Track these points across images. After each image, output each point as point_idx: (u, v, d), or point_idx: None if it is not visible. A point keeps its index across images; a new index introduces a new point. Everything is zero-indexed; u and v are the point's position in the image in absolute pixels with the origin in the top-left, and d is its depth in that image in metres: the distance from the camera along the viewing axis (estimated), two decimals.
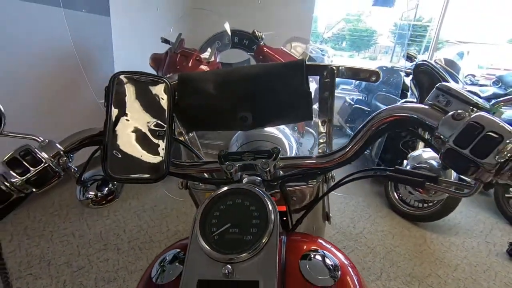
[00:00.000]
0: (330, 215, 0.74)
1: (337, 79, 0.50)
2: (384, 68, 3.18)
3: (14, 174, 0.38)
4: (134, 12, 2.82)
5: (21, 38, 1.73)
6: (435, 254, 1.87)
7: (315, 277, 0.38)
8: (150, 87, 0.43)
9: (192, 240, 0.37)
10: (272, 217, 0.37)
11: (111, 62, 2.50)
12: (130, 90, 0.42)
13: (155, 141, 0.43)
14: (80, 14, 2.16)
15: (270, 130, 0.74)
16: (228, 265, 0.33)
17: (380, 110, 0.42)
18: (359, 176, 0.47)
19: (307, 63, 0.45)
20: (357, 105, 3.27)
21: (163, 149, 0.43)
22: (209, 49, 2.43)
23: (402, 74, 2.63)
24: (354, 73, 0.48)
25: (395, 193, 2.35)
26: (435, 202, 2.11)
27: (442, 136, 0.34)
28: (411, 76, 2.28)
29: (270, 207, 0.38)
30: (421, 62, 2.20)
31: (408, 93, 2.65)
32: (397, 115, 0.40)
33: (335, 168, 0.49)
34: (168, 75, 0.53)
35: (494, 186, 0.37)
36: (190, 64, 2.25)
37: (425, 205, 2.17)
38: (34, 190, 0.40)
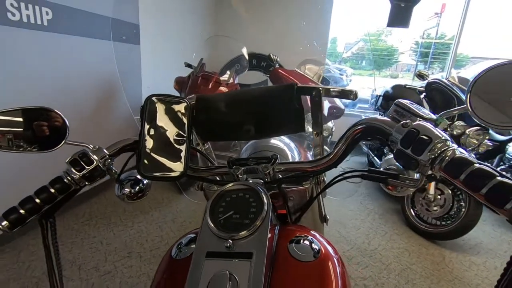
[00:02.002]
0: (328, 217, 0.81)
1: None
2: (400, 86, 3.23)
3: (74, 171, 0.51)
4: (161, 41, 3.11)
5: (72, 67, 1.99)
6: (453, 272, 1.83)
7: (299, 254, 0.46)
8: (174, 106, 0.56)
9: (204, 223, 0.47)
10: (265, 206, 0.47)
11: (139, 85, 2.76)
12: (158, 109, 0.55)
13: (177, 148, 0.55)
14: (117, 44, 2.44)
15: (275, 142, 0.85)
16: (229, 240, 0.43)
17: (355, 122, 0.51)
18: (342, 178, 0.56)
19: (299, 85, 0.56)
20: None
21: (183, 154, 0.54)
22: (228, 72, 2.62)
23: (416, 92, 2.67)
24: (337, 93, 0.58)
25: (411, 210, 2.33)
26: (452, 219, 2.08)
27: (394, 140, 0.43)
28: (423, 94, 2.32)
29: (265, 199, 0.48)
30: (433, 80, 2.24)
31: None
32: (366, 125, 0.50)
33: (323, 171, 0.58)
34: (189, 96, 0.65)
35: (436, 180, 0.40)
36: (210, 86, 2.44)
37: (443, 222, 2.14)
38: (86, 183, 0.52)
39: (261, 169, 0.57)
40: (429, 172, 0.39)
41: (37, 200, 0.49)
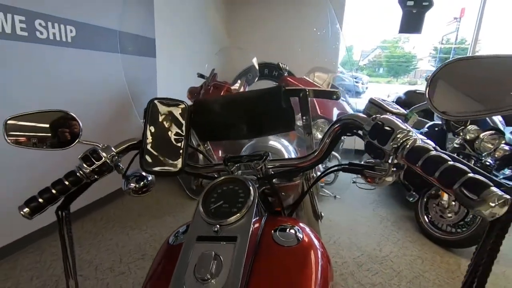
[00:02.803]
0: (322, 214, 0.84)
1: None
2: (412, 91, 3.21)
3: (85, 166, 0.58)
4: (176, 53, 3.26)
5: (92, 78, 2.14)
6: None
7: (282, 241, 0.50)
8: (174, 109, 0.62)
9: (196, 211, 0.52)
10: (251, 197, 0.51)
11: (155, 94, 2.89)
12: (160, 111, 0.61)
13: (176, 146, 0.60)
14: (133, 57, 2.59)
15: (273, 142, 0.89)
16: (217, 225, 0.48)
17: (335, 120, 0.55)
18: (326, 172, 0.60)
19: (286, 88, 0.61)
20: None
21: (181, 152, 0.60)
22: (239, 81, 2.70)
23: None
24: (321, 94, 0.62)
25: (425, 217, 2.28)
26: (468, 226, 2.02)
27: (365, 133, 0.46)
28: None
29: (251, 190, 0.52)
30: None
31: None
32: (343, 121, 0.53)
33: (311, 167, 0.62)
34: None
35: (402, 168, 0.41)
36: (221, 95, 2.52)
37: (458, 229, 2.08)
38: (96, 177, 0.59)
39: (253, 165, 0.62)
40: (394, 160, 0.43)
41: (53, 191, 0.56)
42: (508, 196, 0.31)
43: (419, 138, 0.41)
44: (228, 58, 3.03)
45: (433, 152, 0.38)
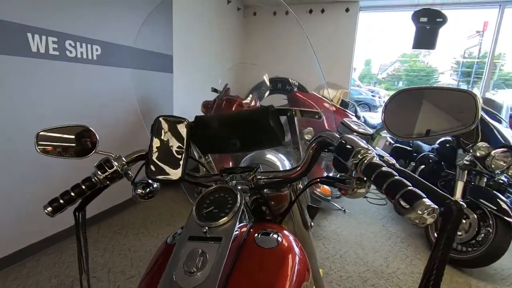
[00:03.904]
0: (312, 223, 0.89)
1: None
2: None
3: (99, 173, 0.67)
4: (191, 69, 3.44)
5: (114, 93, 2.32)
6: None
7: (263, 243, 0.57)
8: (176, 125, 0.71)
9: (191, 215, 0.60)
10: (238, 203, 0.58)
11: (170, 108, 3.05)
12: (164, 127, 0.70)
13: (177, 158, 0.69)
14: (151, 72, 2.77)
15: (270, 156, 0.96)
16: (206, 227, 0.55)
17: (314, 137, 0.62)
18: (307, 185, 0.66)
19: (275, 108, 0.69)
20: (397, 144, 3.26)
21: (181, 163, 0.69)
22: (250, 95, 2.81)
23: None
24: (306, 114, 0.70)
25: (435, 234, 2.24)
26: (479, 245, 1.97)
27: (333, 149, 0.53)
28: None
29: (238, 198, 0.60)
30: None
31: None
32: (320, 139, 0.60)
33: (296, 179, 0.69)
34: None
35: (362, 181, 0.43)
36: (233, 109, 2.64)
37: (469, 248, 2.03)
38: (108, 183, 0.68)
39: (245, 176, 0.69)
40: (356, 174, 0.49)
41: (72, 194, 0.66)
42: (435, 206, 0.37)
43: (376, 156, 0.47)
44: (241, 73, 3.17)
45: (384, 168, 0.44)
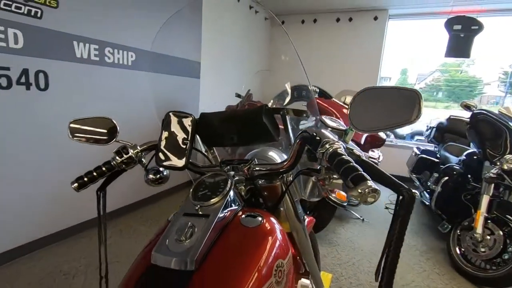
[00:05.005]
0: (305, 217, 0.94)
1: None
2: (451, 117, 3.10)
3: (117, 158, 0.79)
4: (218, 74, 3.62)
5: (144, 94, 2.53)
6: None
7: (247, 223, 0.64)
8: (184, 119, 0.82)
9: (188, 196, 0.69)
10: (227, 187, 0.67)
11: (196, 112, 3.23)
12: (173, 120, 0.81)
13: (182, 148, 0.79)
14: (182, 78, 2.98)
15: (272, 153, 1.04)
16: (198, 205, 0.64)
17: (299, 133, 0.69)
18: (295, 176, 0.73)
19: (268, 107, 0.77)
20: (423, 155, 3.15)
21: (185, 153, 0.79)
22: (271, 101, 2.90)
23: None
24: (295, 113, 0.76)
25: (457, 249, 2.14)
26: (505, 264, 1.86)
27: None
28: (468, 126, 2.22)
29: (229, 183, 0.68)
30: (478, 111, 2.14)
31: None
32: (302, 135, 0.67)
33: (285, 171, 0.75)
34: None
35: (331, 170, 0.44)
36: None
37: (493, 267, 1.92)
38: (123, 166, 0.80)
39: (240, 167, 0.77)
40: (325, 164, 0.55)
41: (94, 173, 0.78)
42: (376, 187, 0.43)
43: (343, 147, 0.53)
44: (264, 80, 3.27)
45: (345, 157, 0.50)
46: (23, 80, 1.73)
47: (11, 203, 1.82)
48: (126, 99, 2.41)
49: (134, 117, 2.52)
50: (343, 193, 2.36)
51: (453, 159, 2.79)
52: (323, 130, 0.57)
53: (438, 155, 3.15)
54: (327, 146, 0.53)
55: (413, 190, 0.48)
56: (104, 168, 0.79)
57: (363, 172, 0.45)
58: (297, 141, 0.69)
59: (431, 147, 3.58)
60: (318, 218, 2.38)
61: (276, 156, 1.05)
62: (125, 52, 2.30)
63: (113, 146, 0.84)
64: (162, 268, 0.55)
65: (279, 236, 0.66)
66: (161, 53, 2.62)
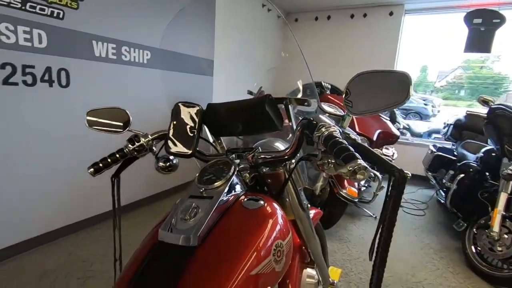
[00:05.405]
0: (309, 205, 0.96)
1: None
2: (468, 112, 3.02)
3: (130, 145, 0.85)
4: (230, 73, 3.67)
5: (158, 91, 2.62)
6: None
7: (248, 205, 0.67)
8: (191, 109, 0.86)
9: (193, 181, 0.73)
10: (230, 172, 0.70)
11: None
12: (182, 110, 0.86)
13: (190, 137, 0.83)
14: (195, 76, 3.05)
15: (277, 144, 1.06)
16: (203, 188, 0.68)
17: (299, 121, 0.71)
18: (296, 163, 0.75)
19: (272, 97, 0.79)
20: (439, 153, 3.07)
21: (193, 140, 0.83)
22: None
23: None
24: (296, 102, 0.78)
25: (472, 247, 2.08)
26: None
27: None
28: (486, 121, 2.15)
29: (232, 168, 0.71)
30: (496, 106, 2.07)
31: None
32: (302, 122, 0.69)
33: (288, 159, 0.78)
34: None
35: (328, 154, 0.44)
36: None
37: (510, 266, 1.86)
38: (135, 154, 0.85)
39: (245, 155, 0.81)
40: (321, 147, 0.57)
41: (109, 160, 0.84)
42: (365, 165, 0.45)
43: (338, 131, 0.55)
44: (277, 77, 3.29)
45: (339, 139, 0.52)
46: (46, 77, 1.84)
47: (41, 191, 1.94)
48: (142, 96, 2.50)
49: (148, 112, 2.61)
50: (354, 189, 2.35)
51: (471, 157, 2.71)
52: (320, 116, 0.59)
53: (455, 153, 3.07)
54: (323, 129, 0.56)
55: (405, 171, 0.49)
56: (117, 155, 0.84)
57: (354, 152, 0.47)
58: (298, 128, 0.72)
59: (448, 145, 3.48)
60: (328, 214, 2.39)
61: (282, 146, 1.08)
62: (141, 50, 2.39)
63: (126, 136, 0.90)
64: (167, 244, 0.59)
65: (280, 218, 0.69)
66: (175, 51, 2.70)
